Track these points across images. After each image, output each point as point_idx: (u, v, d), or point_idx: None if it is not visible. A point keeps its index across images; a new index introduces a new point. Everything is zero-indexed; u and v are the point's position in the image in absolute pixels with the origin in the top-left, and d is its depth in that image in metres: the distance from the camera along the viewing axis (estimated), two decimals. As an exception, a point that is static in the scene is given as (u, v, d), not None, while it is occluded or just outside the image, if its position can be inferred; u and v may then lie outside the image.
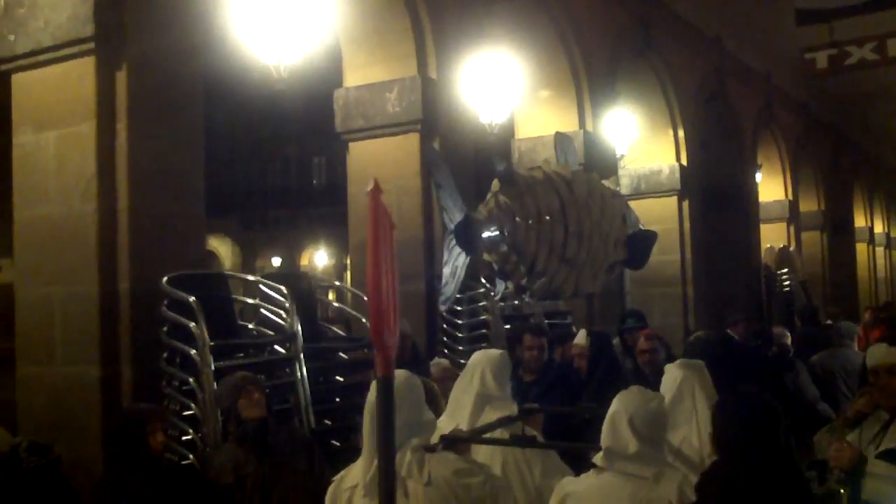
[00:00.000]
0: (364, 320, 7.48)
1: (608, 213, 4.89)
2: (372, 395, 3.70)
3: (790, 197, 22.27)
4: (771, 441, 3.48)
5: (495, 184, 5.03)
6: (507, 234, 4.51)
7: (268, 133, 44.56)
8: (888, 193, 33.93)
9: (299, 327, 6.45)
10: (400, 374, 3.73)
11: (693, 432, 4.41)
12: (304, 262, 47.37)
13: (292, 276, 10.27)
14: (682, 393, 4.51)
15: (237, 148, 42.67)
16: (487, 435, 4.49)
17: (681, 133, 16.12)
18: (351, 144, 10.39)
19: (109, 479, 4.75)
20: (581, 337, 7.83)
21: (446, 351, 9.35)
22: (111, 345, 6.26)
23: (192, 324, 5.87)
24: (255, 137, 44.54)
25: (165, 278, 6.17)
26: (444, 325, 9.85)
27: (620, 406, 3.75)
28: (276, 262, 46.20)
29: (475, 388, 4.76)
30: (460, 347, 9.35)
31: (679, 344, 10.54)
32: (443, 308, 8.45)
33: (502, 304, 10.17)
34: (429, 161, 7.15)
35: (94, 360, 6.25)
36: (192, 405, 5.80)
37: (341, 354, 7.32)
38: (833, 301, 22.06)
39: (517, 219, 4.51)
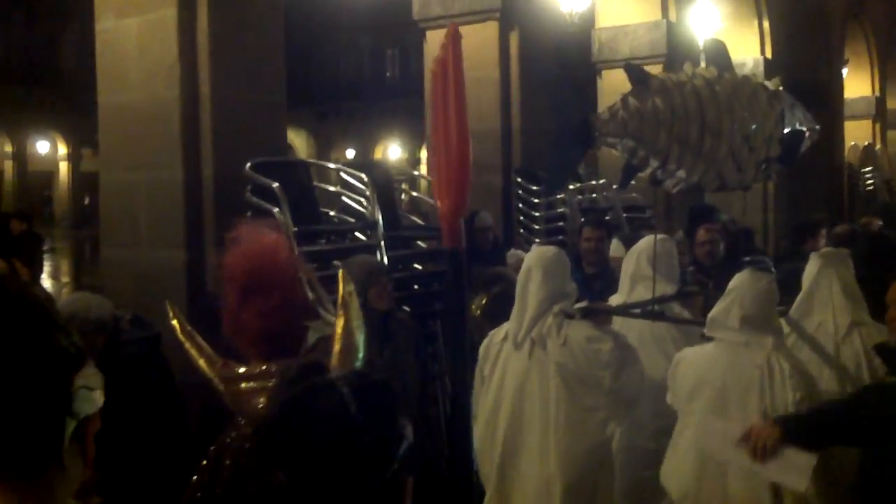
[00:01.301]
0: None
1: (757, 112, 5.07)
2: (527, 261, 4.61)
3: (877, 93, 21.59)
4: None
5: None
6: (630, 130, 4.72)
7: (342, 24, 44.30)
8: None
9: (380, 215, 6.46)
10: (550, 249, 4.77)
11: (829, 319, 4.69)
12: (377, 154, 47.48)
13: (372, 165, 10.27)
14: (820, 281, 4.75)
15: (312, 40, 42.50)
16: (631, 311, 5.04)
17: (766, 24, 15.62)
18: (428, 33, 10.27)
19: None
20: (616, 248, 7.45)
21: (524, 243, 9.34)
22: (196, 229, 6.36)
23: (276, 209, 5.90)
24: (329, 29, 44.32)
25: (249, 164, 6.21)
26: (521, 217, 9.84)
27: (735, 284, 4.19)
28: (350, 154, 46.40)
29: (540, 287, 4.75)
30: (537, 239, 9.32)
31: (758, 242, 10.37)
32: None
33: (580, 197, 10.11)
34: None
35: (179, 244, 6.35)
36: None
37: (419, 243, 7.34)
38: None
39: (644, 118, 4.72)
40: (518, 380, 4.54)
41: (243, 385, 2.49)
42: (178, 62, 6.37)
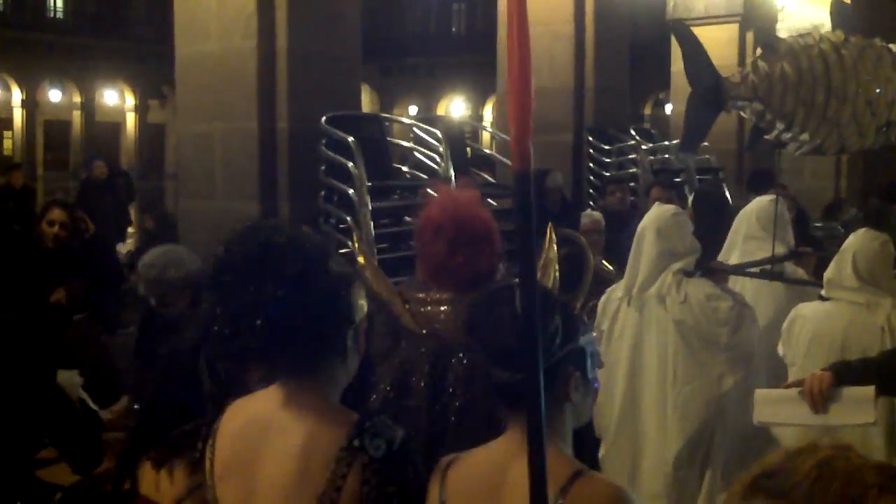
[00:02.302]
0: (509, 163, 7.42)
1: (882, 76, 5.17)
2: (644, 220, 4.72)
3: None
4: None
5: (758, 51, 5.48)
6: (760, 93, 4.86)
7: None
8: None
9: (452, 171, 6.45)
10: (669, 208, 4.84)
11: None
12: (441, 111, 47.38)
13: (443, 120, 10.25)
14: None
15: (376, -6, 42.42)
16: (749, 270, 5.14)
17: (847, -17, 15.25)
18: (501, -13, 10.17)
19: None
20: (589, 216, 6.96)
21: (591, 203, 9.26)
22: (270, 181, 6.38)
23: (351, 163, 5.92)
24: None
25: (324, 118, 6.21)
26: (591, 177, 9.76)
27: (848, 244, 4.30)
28: (413, 110, 46.34)
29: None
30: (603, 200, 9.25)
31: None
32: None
33: (651, 157, 9.99)
34: (675, 30, 7.58)
35: (253, 195, 6.38)
36: (350, 243, 5.90)
37: (490, 201, 7.31)
38: None
39: (772, 82, 4.87)
40: (634, 336, 4.70)
41: (428, 307, 3.39)
42: (256, 13, 6.36)
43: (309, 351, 2.10)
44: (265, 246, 2.10)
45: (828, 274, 4.36)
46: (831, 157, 14.96)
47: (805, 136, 5.09)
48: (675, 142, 10.76)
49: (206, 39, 6.65)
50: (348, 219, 5.95)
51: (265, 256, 2.08)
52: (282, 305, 2.02)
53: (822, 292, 4.38)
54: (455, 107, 47.74)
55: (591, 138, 9.76)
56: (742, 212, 5.64)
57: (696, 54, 5.66)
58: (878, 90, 5.20)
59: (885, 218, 7.13)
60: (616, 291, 4.85)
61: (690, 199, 7.33)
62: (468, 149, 9.31)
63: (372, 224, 5.86)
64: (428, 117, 26.85)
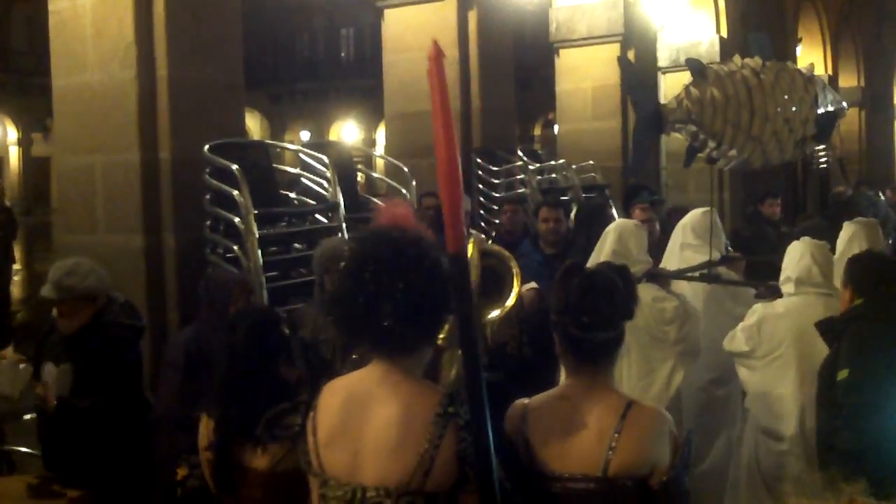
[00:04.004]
0: (404, 191, 7.46)
1: (796, 96, 5.91)
2: (607, 229, 5.31)
3: (829, 71, 21.83)
4: None
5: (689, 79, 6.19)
6: (693, 116, 5.57)
7: (295, 4, 43.91)
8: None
9: (341, 197, 6.43)
10: (630, 221, 5.63)
11: None
12: (332, 136, 47.22)
13: (330, 146, 10.21)
14: (853, 245, 5.35)
15: (265, 20, 42.10)
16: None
17: (721, 3, 15.70)
18: (386, 11, 10.21)
19: (193, 340, 4.76)
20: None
21: (483, 224, 9.34)
22: (154, 213, 6.26)
23: (236, 192, 5.85)
24: (282, 9, 43.91)
25: (207, 146, 6.13)
26: (481, 198, 9.83)
27: (804, 247, 4.97)
28: (305, 135, 46.09)
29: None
30: (496, 220, 9.32)
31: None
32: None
33: (539, 177, 10.12)
34: (622, 64, 8.92)
35: (136, 228, 6.26)
36: (236, 272, 5.83)
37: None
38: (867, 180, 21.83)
39: (703, 105, 5.61)
40: None
41: None
42: (135, 42, 6.25)
43: (417, 335, 2.58)
44: (396, 246, 2.52)
45: (797, 274, 4.92)
46: (713, 172, 15.37)
47: (733, 153, 5.74)
48: (561, 161, 10.95)
49: (84, 70, 6.50)
50: (235, 248, 5.88)
51: (395, 255, 2.51)
52: (405, 297, 2.47)
53: (788, 290, 4.93)
54: (347, 130, 47.63)
55: (479, 160, 9.83)
56: (679, 224, 6.14)
57: (639, 84, 6.75)
58: (793, 109, 5.90)
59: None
60: None
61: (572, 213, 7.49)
62: (359, 174, 9.32)
63: (260, 252, 5.80)
64: (319, 143, 26.72)
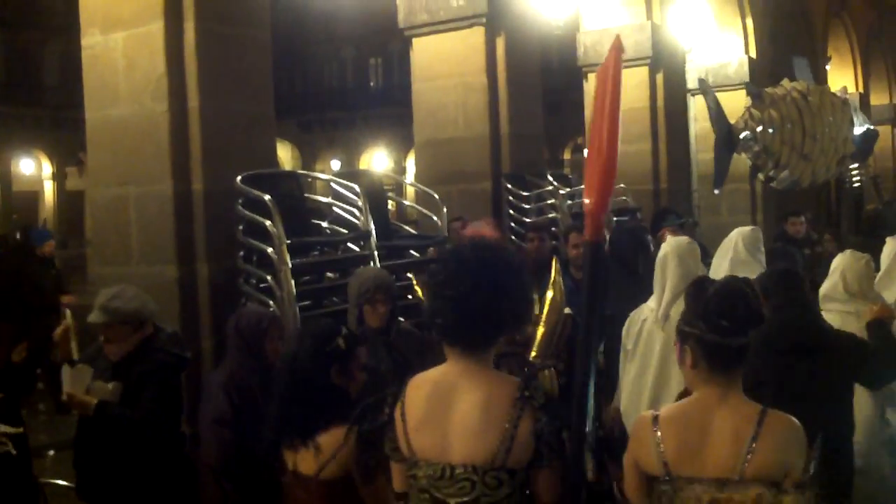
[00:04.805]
0: (435, 217, 7.46)
1: (837, 117, 6.50)
2: (664, 250, 5.52)
3: (860, 89, 21.68)
4: None
5: (748, 101, 6.90)
6: (757, 137, 6.20)
7: (324, 35, 44.28)
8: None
9: (372, 225, 6.44)
10: (683, 239, 5.72)
11: None
12: (362, 164, 47.44)
13: (361, 175, 10.25)
14: (894, 261, 5.85)
15: (294, 50, 42.47)
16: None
17: (749, 23, 15.66)
18: (414, 40, 10.24)
19: (233, 388, 4.73)
20: None
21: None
22: (187, 244, 6.28)
23: (268, 222, 5.88)
24: (311, 40, 44.31)
25: (240, 177, 6.17)
26: (512, 224, 9.82)
27: (838, 263, 5.32)
28: (336, 164, 46.31)
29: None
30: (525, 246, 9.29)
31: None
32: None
33: (570, 202, 10.09)
34: (701, 88, 9.28)
35: (170, 259, 6.28)
36: (271, 302, 5.84)
37: (413, 252, 7.32)
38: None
39: (764, 126, 6.17)
40: (662, 350, 5.31)
41: None
42: (166, 75, 6.31)
43: (496, 333, 2.94)
44: (480, 257, 2.90)
45: (823, 290, 5.32)
46: (746, 191, 15.32)
47: (785, 174, 6.31)
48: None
49: (116, 102, 6.57)
50: (269, 277, 5.90)
51: (477, 264, 2.87)
52: (487, 300, 2.82)
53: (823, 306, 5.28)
54: (378, 159, 47.85)
55: (509, 185, 9.83)
56: (726, 241, 6.43)
57: (715, 108, 7.13)
58: (837, 129, 6.41)
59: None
60: (639, 314, 5.58)
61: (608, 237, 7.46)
62: (390, 202, 9.34)
63: (293, 281, 5.81)
64: (350, 172, 26.84)
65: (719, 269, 6.14)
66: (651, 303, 5.51)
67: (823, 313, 5.07)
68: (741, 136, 6.73)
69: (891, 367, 4.66)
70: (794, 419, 3.08)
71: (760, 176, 6.93)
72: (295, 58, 43.50)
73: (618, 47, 2.92)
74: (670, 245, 5.63)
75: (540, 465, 2.83)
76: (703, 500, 2.98)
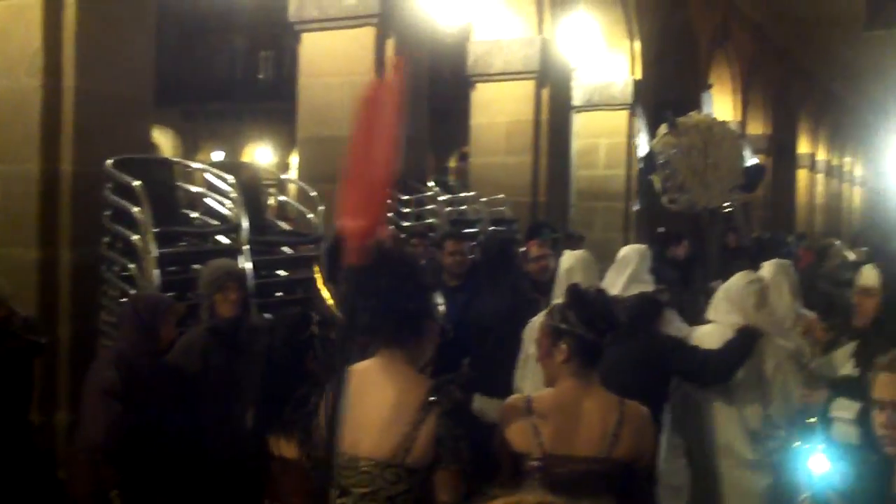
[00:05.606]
0: (310, 215, 7.39)
1: (734, 150, 7.12)
2: (568, 262, 6.02)
3: (739, 118, 22.35)
4: None
5: (663, 127, 7.42)
6: (669, 161, 6.74)
7: (217, 24, 43.56)
8: (833, 122, 34.21)
9: (245, 219, 6.33)
10: (579, 253, 6.26)
11: (778, 312, 6.01)
12: (246, 157, 46.79)
13: (239, 166, 10.10)
14: (773, 285, 6.06)
15: (184, 38, 41.67)
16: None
17: (637, 46, 15.98)
18: (303, 35, 10.13)
19: (122, 355, 4.65)
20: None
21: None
22: (50, 226, 6.11)
23: (136, 209, 5.74)
24: (203, 28, 43.54)
25: (110, 161, 6.01)
26: (391, 227, 9.79)
27: (727, 282, 5.74)
28: (219, 155, 45.57)
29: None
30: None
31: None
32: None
33: (449, 208, 10.13)
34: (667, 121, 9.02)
35: (31, 241, 6.09)
36: (132, 292, 5.70)
37: (285, 249, 7.23)
38: (769, 225, 22.42)
39: (674, 151, 6.74)
40: None
41: None
42: (42, 51, 6.12)
43: (402, 328, 3.10)
44: (383, 256, 3.06)
45: (712, 306, 5.76)
46: (620, 211, 15.65)
47: (688, 196, 6.84)
48: (471, 193, 10.98)
49: (-12, 76, 6.33)
50: (132, 266, 5.75)
51: (382, 262, 3.04)
52: (388, 296, 3.05)
53: (709, 318, 5.74)
54: (261, 153, 47.25)
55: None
56: (622, 257, 6.53)
57: (648, 132, 8.15)
58: (733, 159, 7.04)
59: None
60: (540, 319, 5.63)
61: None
62: (270, 196, 9.23)
63: (157, 271, 5.67)
64: (227, 162, 26.44)
65: (615, 283, 6.29)
66: None
67: (710, 326, 5.67)
68: (658, 160, 7.31)
69: (727, 363, 5.31)
70: (646, 408, 3.57)
71: (664, 198, 7.30)
72: (185, 46, 42.68)
73: (401, 68, 3.11)
74: (576, 257, 6.10)
75: (439, 467, 3.00)
76: (576, 473, 3.40)
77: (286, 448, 3.78)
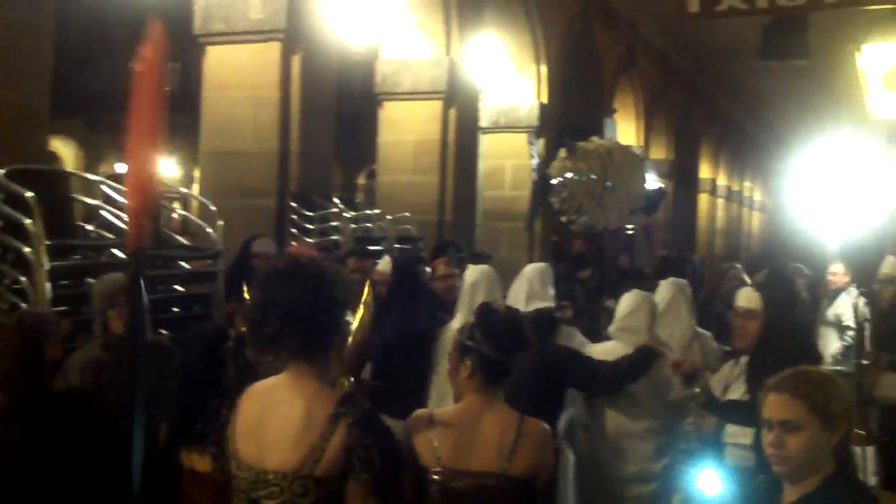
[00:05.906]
0: (209, 229, 7.30)
1: (634, 174, 7.58)
2: (473, 276, 6.17)
3: (642, 143, 22.76)
4: None
5: (562, 151, 7.98)
6: (566, 185, 7.02)
7: (123, 34, 42.75)
8: (734, 148, 35.03)
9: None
10: (484, 268, 6.42)
11: (676, 331, 6.37)
12: (151, 170, 45.90)
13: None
14: (671, 303, 6.42)
15: (89, 47, 40.79)
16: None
17: (543, 70, 16.17)
18: (208, 48, 10.04)
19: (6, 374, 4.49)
20: (384, 263, 7.69)
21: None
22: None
23: (28, 220, 5.59)
24: (107, 40, 42.69)
25: (2, 171, 5.85)
26: (294, 244, 9.72)
27: (619, 302, 6.09)
28: (122, 168, 44.72)
29: None
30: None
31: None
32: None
33: (354, 225, 10.11)
34: (567, 146, 9.62)
35: (-83, 252, 5.88)
36: (23, 305, 5.54)
37: (182, 263, 7.12)
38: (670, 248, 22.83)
39: (573, 175, 6.92)
40: None
41: None
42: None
43: (312, 340, 3.05)
44: (296, 267, 3.06)
45: (625, 323, 6.00)
46: (525, 233, 15.77)
47: (586, 218, 7.19)
48: (377, 211, 10.97)
49: None
50: (23, 279, 5.60)
51: (295, 273, 3.03)
52: (299, 307, 2.98)
53: (609, 334, 6.08)
54: (165, 167, 46.52)
55: (294, 204, 9.74)
56: (521, 275, 6.58)
57: (540, 157, 8.55)
58: (633, 183, 7.49)
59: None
60: (447, 332, 5.82)
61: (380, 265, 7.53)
62: (173, 213, 9.10)
63: (50, 285, 5.53)
64: (123, 175, 25.90)
65: (516, 299, 6.34)
66: (455, 323, 5.78)
67: (611, 343, 6.03)
68: (553, 182, 7.55)
69: (618, 375, 5.63)
70: (545, 424, 3.67)
71: (563, 218, 7.68)
72: (90, 54, 41.86)
73: (157, 39, 3.28)
74: (480, 271, 6.23)
75: (350, 478, 2.98)
76: (472, 487, 3.48)
77: (199, 461, 3.76)
